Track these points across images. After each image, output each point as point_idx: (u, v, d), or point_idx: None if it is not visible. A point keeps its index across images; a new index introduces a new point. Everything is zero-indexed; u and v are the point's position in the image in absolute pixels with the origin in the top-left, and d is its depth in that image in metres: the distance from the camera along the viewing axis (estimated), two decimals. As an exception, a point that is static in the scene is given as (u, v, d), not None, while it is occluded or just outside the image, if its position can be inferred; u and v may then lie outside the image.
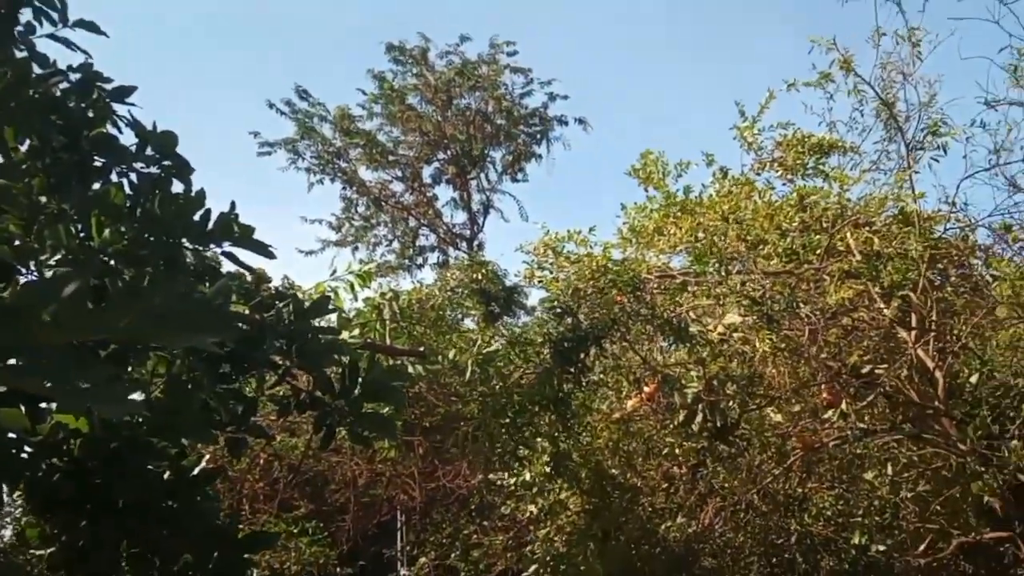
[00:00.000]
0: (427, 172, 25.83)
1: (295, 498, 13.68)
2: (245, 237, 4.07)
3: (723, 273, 7.89)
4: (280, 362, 4.29)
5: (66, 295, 1.50)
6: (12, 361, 1.51)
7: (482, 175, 25.60)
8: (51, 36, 4.10)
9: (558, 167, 26.42)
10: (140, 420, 3.49)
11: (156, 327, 1.63)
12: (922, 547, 8.43)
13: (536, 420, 8.10)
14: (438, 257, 25.48)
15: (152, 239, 3.90)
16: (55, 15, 4.09)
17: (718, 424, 7.61)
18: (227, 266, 4.21)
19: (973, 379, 8.19)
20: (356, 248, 25.13)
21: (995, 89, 7.75)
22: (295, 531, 11.85)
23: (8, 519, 10.52)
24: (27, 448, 3.26)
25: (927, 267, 7.61)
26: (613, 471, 8.97)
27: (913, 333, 8.05)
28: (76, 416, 3.32)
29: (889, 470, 8.42)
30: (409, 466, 13.46)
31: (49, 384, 1.50)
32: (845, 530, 8.66)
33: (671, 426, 8.42)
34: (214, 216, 4.00)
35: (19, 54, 3.97)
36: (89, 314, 1.58)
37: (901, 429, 8.27)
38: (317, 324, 4.52)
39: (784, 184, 9.01)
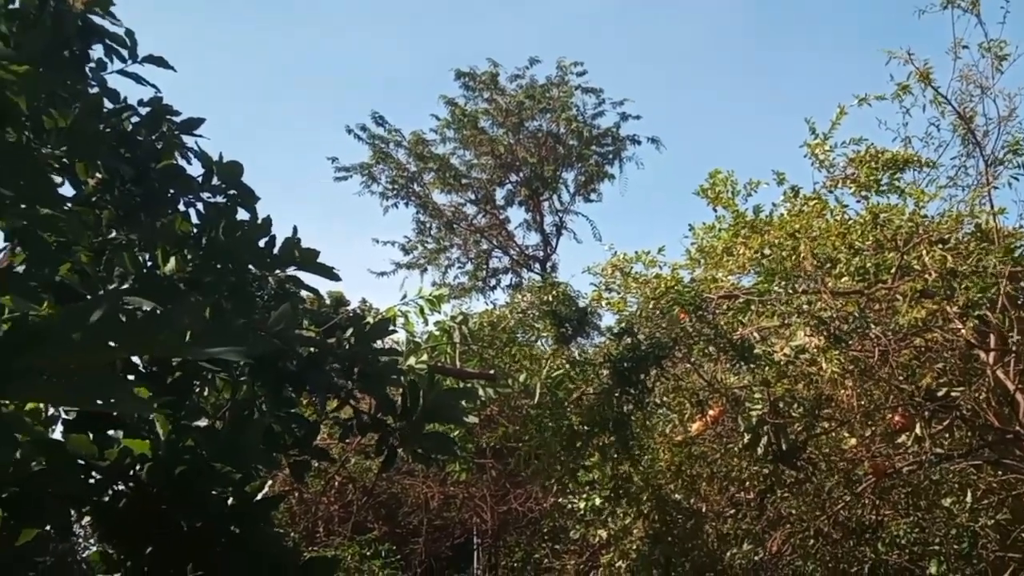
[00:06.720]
0: (500, 194, 25.94)
1: (369, 520, 13.81)
2: (309, 261, 4.17)
3: (789, 292, 7.74)
4: (342, 384, 4.35)
5: (94, 319, 1.59)
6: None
7: (554, 196, 25.59)
8: (121, 72, 4.24)
9: (632, 187, 26.36)
10: (205, 445, 3.56)
11: (184, 343, 1.73)
12: (1004, 577, 8.14)
13: (595, 442, 8.02)
14: (511, 279, 25.54)
15: (218, 266, 4.01)
16: (125, 52, 4.23)
17: (783, 448, 7.45)
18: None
19: (1056, 401, 7.87)
20: (425, 270, 25.35)
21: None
22: (368, 553, 11.92)
23: (92, 541, 10.82)
24: (95, 474, 3.35)
25: (1007, 285, 7.36)
26: (676, 496, 8.80)
27: (992, 354, 7.79)
28: (143, 439, 3.42)
29: (968, 497, 8.11)
30: (481, 489, 13.50)
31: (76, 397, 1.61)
32: (922, 559, 8.34)
33: (736, 449, 8.29)
34: (279, 242, 4.10)
35: (91, 90, 4.11)
36: (116, 335, 1.67)
37: (980, 454, 8.00)
38: (380, 346, 4.57)
39: (857, 201, 8.80)
